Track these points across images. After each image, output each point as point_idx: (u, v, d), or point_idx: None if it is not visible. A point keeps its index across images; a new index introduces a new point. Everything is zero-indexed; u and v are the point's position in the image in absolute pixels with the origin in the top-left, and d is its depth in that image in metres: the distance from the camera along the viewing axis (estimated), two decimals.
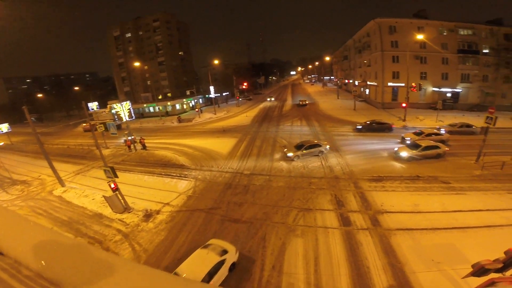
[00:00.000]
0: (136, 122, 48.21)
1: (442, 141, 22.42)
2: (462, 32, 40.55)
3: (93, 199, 17.61)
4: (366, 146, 24.01)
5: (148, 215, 14.77)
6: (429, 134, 23.60)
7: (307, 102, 52.21)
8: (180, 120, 46.32)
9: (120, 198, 15.19)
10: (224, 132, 33.70)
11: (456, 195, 14.51)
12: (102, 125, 22.29)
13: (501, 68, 39.16)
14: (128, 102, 28.98)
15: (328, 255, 10.46)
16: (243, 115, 46.70)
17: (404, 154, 19.50)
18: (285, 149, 22.06)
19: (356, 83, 57.16)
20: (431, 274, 8.97)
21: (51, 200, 18.89)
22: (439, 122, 31.78)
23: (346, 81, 72.96)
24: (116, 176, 14.71)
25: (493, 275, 3.93)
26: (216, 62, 56.81)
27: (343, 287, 8.98)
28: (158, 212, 15.13)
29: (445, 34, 40.34)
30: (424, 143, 20.00)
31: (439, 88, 42.02)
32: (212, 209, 14.82)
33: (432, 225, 11.69)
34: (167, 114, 56.69)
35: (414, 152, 19.28)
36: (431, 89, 42.26)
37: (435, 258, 9.64)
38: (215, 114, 49.52)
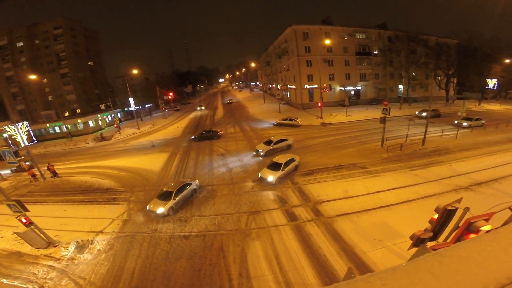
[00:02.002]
0: (39, 146, 39.94)
1: (289, 146, 24.02)
2: (358, 36, 48.28)
3: (1, 237, 14.34)
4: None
5: (80, 247, 12.55)
6: (278, 142, 23.49)
7: (233, 100, 70.65)
8: (102, 138, 40.55)
9: (38, 232, 12.48)
10: (153, 147, 31.14)
11: (374, 178, 17.05)
12: None
13: (387, 66, 48.31)
14: (25, 122, 23.70)
15: (287, 251, 10.81)
16: (172, 127, 44.15)
17: (271, 178, 16.92)
18: (149, 205, 15.01)
19: (279, 87, 61.31)
20: (379, 252, 10.13)
21: None
22: (348, 117, 37.05)
23: (270, 85, 77.55)
24: (26, 210, 12.00)
25: (430, 243, 4.77)
26: (135, 72, 52.11)
27: (310, 278, 9.39)
28: (91, 242, 12.97)
29: (346, 38, 47.26)
30: (282, 159, 18.11)
31: (345, 87, 48.96)
32: (156, 230, 13.51)
33: (363, 207, 13.37)
34: (70, 135, 48.13)
35: (279, 173, 17.09)
36: (338, 88, 48.80)
37: (376, 237, 10.97)
38: (138, 128, 45.24)
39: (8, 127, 22.23)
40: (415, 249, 4.88)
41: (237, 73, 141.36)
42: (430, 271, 0.61)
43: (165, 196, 15.14)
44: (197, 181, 17.76)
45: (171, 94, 65.68)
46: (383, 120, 22.47)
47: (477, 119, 29.00)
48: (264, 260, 10.48)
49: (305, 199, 15.05)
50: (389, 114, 22.09)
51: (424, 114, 34.23)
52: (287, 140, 24.13)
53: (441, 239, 5.02)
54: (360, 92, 50.36)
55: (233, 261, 10.61)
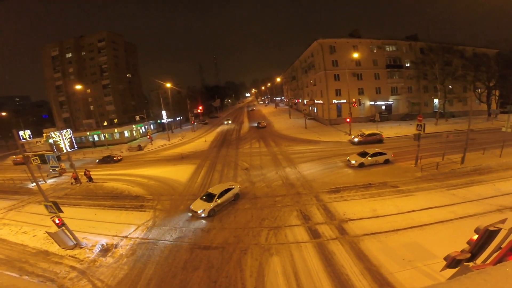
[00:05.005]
0: (78, 153, 43.32)
1: (236, 196, 17.70)
2: (388, 49, 46.65)
3: (34, 236, 15.37)
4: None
5: (104, 250, 13.14)
6: (222, 193, 16.68)
7: (255, 108, 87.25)
8: (140, 148, 43.11)
9: (68, 233, 13.28)
10: (182, 158, 32.24)
11: (406, 197, 15.98)
12: (37, 157, 19.42)
13: (421, 79, 45.85)
14: (68, 130, 25.77)
15: (306, 269, 10.42)
16: (200, 140, 45.60)
17: None
18: None
19: (305, 102, 60.87)
20: (408, 272, 9.43)
21: None
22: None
23: (296, 100, 77.47)
24: (61, 211, 12.86)
25: (466, 265, 4.30)
26: (168, 85, 55.17)
27: None
28: (116, 246, 13.55)
29: (375, 51, 45.94)
30: None
31: (375, 102, 47.17)
32: (178, 239, 13.78)
33: (393, 227, 12.55)
34: (94, 145, 52.68)
35: None
36: (368, 103, 47.15)
37: (406, 257, 10.23)
38: (169, 140, 47.31)
39: (54, 133, 24.40)
40: (449, 270, 4.41)
41: (263, 87, 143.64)
42: None
43: None
44: None
45: (200, 107, 68.21)
46: (417, 137, 21.15)
47: (375, 154, 22.32)
48: (282, 276, 10.16)
49: (330, 216, 14.48)
50: (423, 131, 20.80)
51: (356, 139, 30.74)
52: (233, 187, 17.80)
53: (479, 261, 4.50)
54: (392, 107, 48.20)
55: (249, 275, 10.39)
